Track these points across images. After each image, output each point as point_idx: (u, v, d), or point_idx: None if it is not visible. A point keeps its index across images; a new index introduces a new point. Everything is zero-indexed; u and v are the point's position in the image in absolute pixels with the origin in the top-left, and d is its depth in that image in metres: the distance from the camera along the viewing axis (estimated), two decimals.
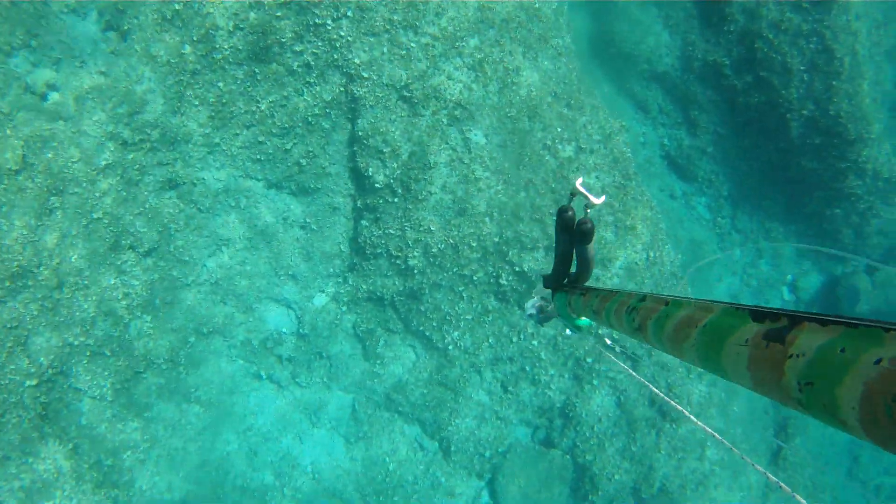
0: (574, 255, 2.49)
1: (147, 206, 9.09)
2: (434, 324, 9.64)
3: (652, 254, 10.21)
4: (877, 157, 11.65)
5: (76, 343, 8.78)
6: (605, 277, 9.85)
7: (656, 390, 3.19)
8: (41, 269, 8.52)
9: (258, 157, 9.29)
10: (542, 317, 3.10)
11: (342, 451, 10.33)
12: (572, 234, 2.39)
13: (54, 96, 8.86)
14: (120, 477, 9.17)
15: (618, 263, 9.89)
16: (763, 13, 10.93)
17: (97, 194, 8.82)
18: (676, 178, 12.83)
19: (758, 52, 11.12)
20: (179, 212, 9.28)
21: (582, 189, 2.26)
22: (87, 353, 8.89)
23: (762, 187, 12.50)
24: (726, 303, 1.26)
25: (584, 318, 2.45)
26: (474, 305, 9.55)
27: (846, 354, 0.87)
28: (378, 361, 10.04)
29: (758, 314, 1.12)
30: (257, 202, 9.58)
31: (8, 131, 8.45)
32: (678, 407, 2.81)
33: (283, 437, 10.16)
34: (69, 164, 8.66)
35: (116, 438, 9.21)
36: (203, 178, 9.30)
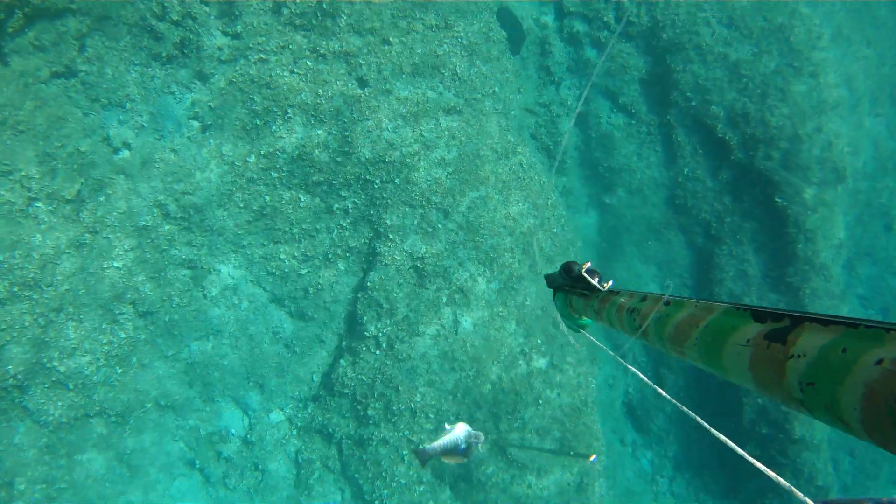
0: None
1: (162, 274, 9.89)
2: (370, 475, 10.10)
3: (585, 480, 10.78)
4: (814, 464, 12.39)
5: (48, 366, 9.29)
6: (537, 487, 10.36)
7: (652, 384, 3.03)
8: (49, 289, 9.22)
9: (273, 271, 10.18)
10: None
11: None
12: (573, 281, 2.31)
13: (126, 153, 9.92)
14: None
15: (551, 478, 10.45)
16: (746, 302, 12.10)
17: (125, 247, 9.66)
18: (630, 426, 13.52)
19: None
20: (187, 291, 10.05)
21: (587, 276, 2.21)
22: (52, 379, 9.37)
23: (707, 460, 13.15)
24: (727, 303, 1.27)
25: (585, 318, 2.42)
26: (411, 473, 10.05)
27: (847, 355, 0.87)
28: (306, 492, 10.40)
29: (759, 314, 1.13)
30: (257, 310, 10.37)
31: (76, 165, 9.44)
32: (680, 407, 2.71)
33: None
34: (113, 213, 9.57)
35: (39, 469, 9.48)
36: (219, 270, 10.15)
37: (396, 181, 9.97)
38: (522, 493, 10.18)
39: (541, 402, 10.28)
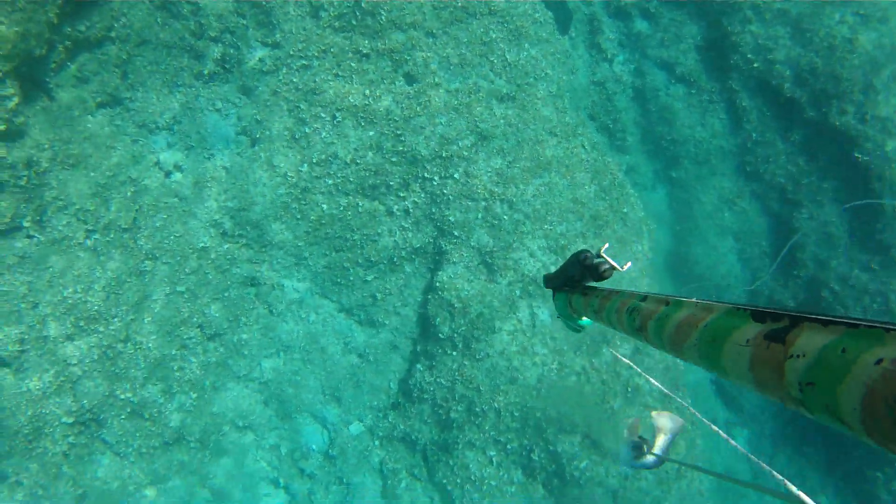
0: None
1: (226, 294, 9.70)
2: (458, 481, 9.75)
3: (683, 469, 10.27)
4: None
5: (122, 397, 9.18)
6: (634, 478, 9.90)
7: (661, 386, 3.11)
8: (115, 319, 9.10)
9: (339, 280, 9.91)
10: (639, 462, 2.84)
11: None
12: (584, 270, 2.23)
13: (177, 176, 9.77)
14: None
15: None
16: (833, 265, 11.44)
17: (186, 271, 9.49)
18: (722, 404, 12.96)
19: (823, 301, 11.54)
20: (253, 309, 9.85)
21: (605, 256, 2.16)
22: (128, 410, 9.25)
23: (806, 433, 12.52)
24: (727, 303, 1.27)
25: (585, 318, 2.41)
26: (501, 473, 9.68)
27: (847, 355, 0.87)
28: (394, 502, 10.12)
29: (759, 314, 1.13)
30: (325, 321, 10.11)
31: (129, 193, 9.30)
32: (686, 406, 2.65)
33: None
34: (171, 237, 9.42)
35: (124, 500, 9.37)
36: (283, 285, 9.92)
37: (456, 176, 9.61)
38: (618, 484, 9.72)
39: (629, 390, 9.81)
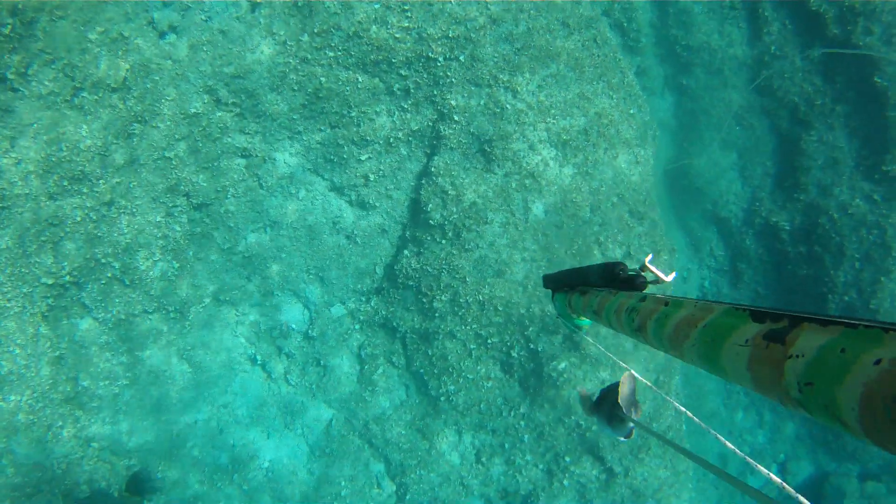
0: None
1: (215, 164, 9.40)
2: (435, 371, 9.72)
3: (662, 378, 10.28)
4: None
5: (103, 261, 8.99)
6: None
7: (651, 384, 3.03)
8: (100, 182, 8.82)
9: (332, 157, 9.62)
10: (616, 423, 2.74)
11: (303, 461, 10.29)
12: (614, 281, 2.18)
13: (171, 37, 9.32)
14: (89, 401, 9.22)
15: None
16: (835, 192, 11.22)
17: (176, 136, 9.17)
18: None
19: (819, 227, 11.37)
20: (242, 180, 9.57)
21: (651, 267, 2.15)
22: (108, 275, 9.08)
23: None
24: (727, 303, 1.26)
25: (584, 318, 2.41)
26: (479, 367, 9.64)
27: (846, 355, 0.87)
28: (369, 388, 10.10)
29: (758, 314, 1.13)
30: (315, 199, 9.87)
31: (120, 52, 8.88)
32: (688, 414, 2.52)
33: (252, 427, 10.17)
34: (162, 101, 9.05)
35: (101, 365, 9.30)
36: (275, 159, 9.63)
37: (461, 58, 9.22)
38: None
39: None
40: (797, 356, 0.96)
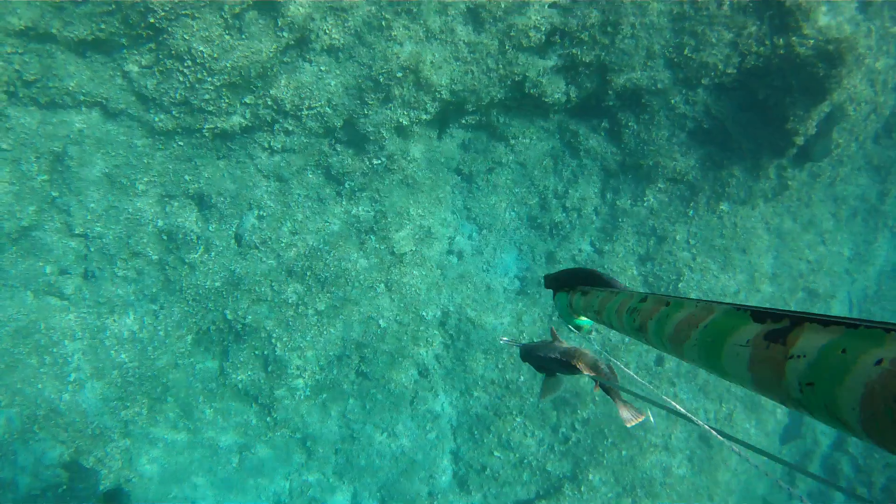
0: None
1: None
2: None
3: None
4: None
5: None
6: None
7: (648, 386, 2.63)
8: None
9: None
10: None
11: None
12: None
13: None
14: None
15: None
16: None
17: None
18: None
19: None
20: None
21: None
22: None
23: None
24: (727, 303, 1.26)
25: (584, 318, 2.41)
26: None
27: (847, 355, 0.86)
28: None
29: (759, 315, 1.12)
30: None
31: None
32: (694, 419, 1.90)
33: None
34: None
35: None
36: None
37: None
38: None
39: None
40: (798, 356, 0.95)
